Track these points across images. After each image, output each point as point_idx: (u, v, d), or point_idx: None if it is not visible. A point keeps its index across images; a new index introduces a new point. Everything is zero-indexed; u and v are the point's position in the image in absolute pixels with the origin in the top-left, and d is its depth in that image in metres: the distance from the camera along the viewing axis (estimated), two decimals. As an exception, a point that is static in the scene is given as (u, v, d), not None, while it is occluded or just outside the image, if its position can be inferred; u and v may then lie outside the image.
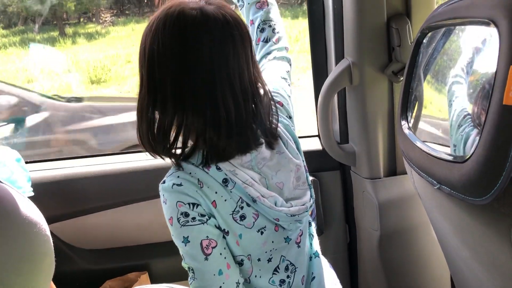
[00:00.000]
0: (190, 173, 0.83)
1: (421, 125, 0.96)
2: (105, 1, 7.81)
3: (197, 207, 0.82)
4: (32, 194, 1.11)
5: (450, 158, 0.77)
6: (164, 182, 0.85)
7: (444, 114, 0.89)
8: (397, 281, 1.39)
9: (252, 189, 0.84)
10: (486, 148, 0.65)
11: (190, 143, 0.83)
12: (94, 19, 7.81)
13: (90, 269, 1.40)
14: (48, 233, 0.93)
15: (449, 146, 0.83)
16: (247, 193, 0.84)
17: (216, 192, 0.83)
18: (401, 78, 1.19)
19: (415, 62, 0.96)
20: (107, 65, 6.32)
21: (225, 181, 0.84)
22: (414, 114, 0.98)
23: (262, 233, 0.87)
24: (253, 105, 0.84)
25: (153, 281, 1.39)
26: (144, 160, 1.39)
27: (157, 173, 1.38)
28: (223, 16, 0.80)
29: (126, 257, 1.42)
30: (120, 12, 7.67)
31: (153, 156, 0.86)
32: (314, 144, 1.49)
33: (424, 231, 1.33)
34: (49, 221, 1.25)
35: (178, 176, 0.83)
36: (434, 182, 0.81)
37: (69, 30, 7.63)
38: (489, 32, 0.70)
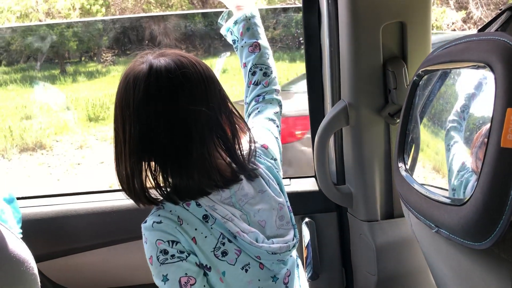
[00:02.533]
0: (171, 211, 0.85)
1: (419, 167, 0.96)
2: (107, 41, 7.96)
3: (176, 244, 0.83)
4: (21, 236, 1.09)
5: (448, 201, 0.76)
6: (145, 221, 0.87)
7: (441, 157, 0.88)
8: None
9: (232, 224, 0.85)
10: (484, 191, 0.64)
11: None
12: (95, 58, 7.94)
13: (78, 311, 1.35)
14: (36, 271, 0.91)
15: (447, 190, 0.82)
16: (227, 228, 0.85)
17: (196, 229, 0.84)
18: (398, 120, 1.19)
19: (411, 104, 0.96)
20: (106, 103, 6.38)
21: (205, 217, 0.85)
22: (411, 156, 0.97)
23: (246, 270, 0.87)
24: (228, 143, 0.87)
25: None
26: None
27: (149, 212, 1.36)
28: (179, 69, 0.83)
29: (115, 298, 1.38)
30: (121, 52, 7.80)
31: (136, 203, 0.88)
32: (311, 185, 1.48)
33: (422, 276, 1.30)
34: (38, 259, 1.23)
35: (159, 215, 0.85)
36: (432, 225, 0.80)
37: (70, 68, 7.75)
38: (484, 75, 0.70)
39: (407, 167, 0.95)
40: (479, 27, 0.85)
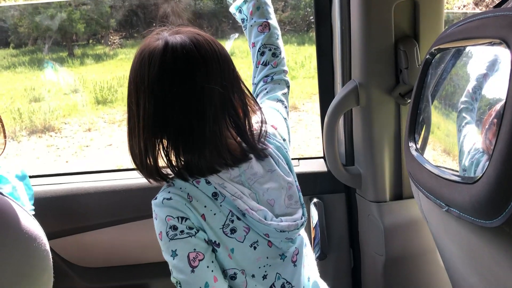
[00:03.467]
0: (181, 188, 0.86)
1: (429, 148, 0.95)
2: (114, 24, 7.94)
3: (185, 221, 0.84)
4: (33, 213, 1.10)
5: (459, 179, 0.76)
6: (155, 198, 0.87)
7: (453, 138, 0.87)
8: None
9: (241, 201, 0.86)
10: (497, 168, 0.63)
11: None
12: (103, 41, 7.92)
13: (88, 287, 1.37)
14: (48, 248, 0.92)
15: (457, 170, 0.81)
16: (236, 206, 0.86)
17: (205, 206, 0.85)
18: (408, 101, 1.19)
19: (423, 83, 0.95)
20: (113, 85, 6.39)
21: (215, 195, 0.86)
22: (422, 136, 0.97)
23: (255, 248, 0.88)
24: (239, 122, 0.87)
25: (153, 301, 1.36)
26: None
27: (159, 190, 1.37)
28: (194, 45, 0.83)
29: (125, 276, 1.39)
30: (129, 35, 7.78)
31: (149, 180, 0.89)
32: (320, 166, 1.48)
33: (431, 257, 1.30)
34: (49, 237, 1.25)
35: (169, 192, 0.86)
36: (442, 204, 0.80)
37: (77, 51, 7.74)
38: (500, 52, 0.69)
39: (418, 146, 0.95)
40: (495, 4, 0.84)
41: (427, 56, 0.92)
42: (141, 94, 0.83)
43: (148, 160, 0.86)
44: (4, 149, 1.04)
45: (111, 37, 7.81)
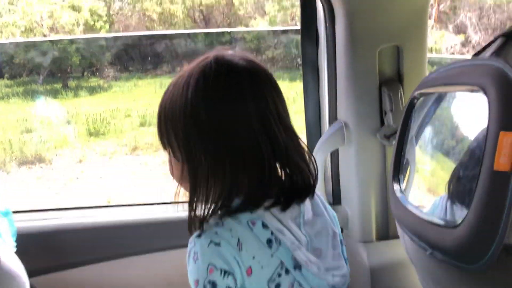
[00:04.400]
0: (231, 229, 0.75)
1: (414, 189, 0.96)
2: (109, 57, 8.04)
3: (228, 276, 0.73)
4: (15, 249, 1.09)
5: (442, 222, 0.76)
6: (199, 235, 0.76)
7: (436, 179, 0.89)
8: None
9: (300, 252, 0.77)
10: (477, 214, 0.64)
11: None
12: (97, 74, 8.00)
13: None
14: (28, 286, 0.90)
15: (442, 212, 0.82)
16: (293, 257, 0.76)
17: (253, 257, 0.74)
18: (393, 142, 1.20)
19: (407, 126, 0.97)
20: (106, 118, 6.41)
21: (269, 242, 0.75)
22: (406, 177, 0.98)
23: None
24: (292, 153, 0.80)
25: None
26: (133, 213, 1.38)
27: (148, 228, 1.36)
28: (261, 69, 0.80)
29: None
30: (124, 68, 7.87)
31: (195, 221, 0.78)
32: (307, 205, 1.48)
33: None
34: (33, 274, 1.22)
35: (216, 233, 0.75)
36: (427, 247, 0.80)
37: (72, 83, 7.80)
38: (478, 99, 0.71)
39: (403, 188, 0.96)
40: (475, 52, 0.86)
41: (410, 100, 0.94)
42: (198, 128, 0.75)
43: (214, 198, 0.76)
44: None
45: (106, 69, 7.91)
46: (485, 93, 0.67)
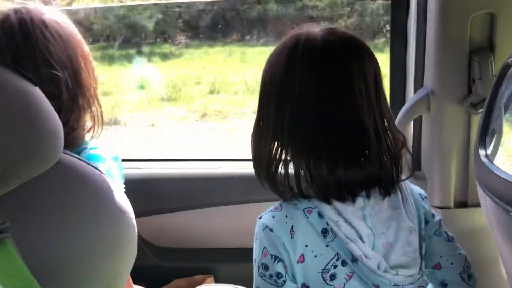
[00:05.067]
0: (286, 216, 0.77)
1: (499, 157, 0.98)
2: (181, 24, 8.19)
3: (278, 263, 0.76)
4: (124, 190, 1.21)
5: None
6: (261, 217, 0.80)
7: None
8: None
9: (355, 246, 0.75)
10: None
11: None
12: (169, 40, 8.20)
13: (162, 266, 1.49)
14: (134, 223, 1.01)
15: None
16: (347, 250, 0.75)
17: (306, 246, 0.75)
18: (480, 110, 1.21)
19: (497, 93, 0.98)
20: (177, 84, 6.60)
21: (325, 232, 0.75)
22: (492, 144, 0.99)
23: None
24: (376, 139, 0.76)
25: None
26: (222, 168, 1.50)
27: (232, 182, 1.46)
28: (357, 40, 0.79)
29: (195, 258, 1.50)
30: (195, 35, 8.01)
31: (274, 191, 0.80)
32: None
33: (493, 267, 1.30)
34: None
35: (273, 217, 0.78)
36: (510, 208, 0.82)
37: (145, 49, 8.04)
38: None
39: (488, 153, 0.98)
40: None
41: (503, 66, 0.95)
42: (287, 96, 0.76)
43: (273, 167, 0.78)
44: (99, 132, 1.14)
45: (178, 36, 8.09)
46: None
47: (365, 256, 0.75)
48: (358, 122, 0.75)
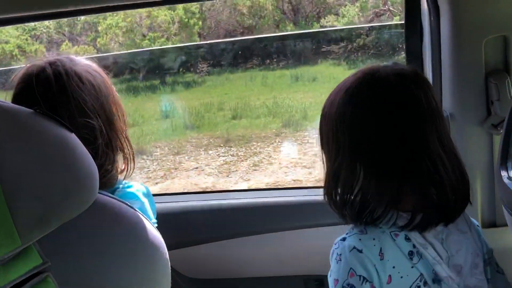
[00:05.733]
0: (374, 239, 0.79)
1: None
2: (203, 53, 8.36)
3: (366, 283, 0.77)
4: (156, 225, 1.25)
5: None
6: (344, 239, 0.81)
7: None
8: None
9: (441, 268, 0.78)
10: None
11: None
12: (192, 69, 8.36)
13: (195, 298, 1.52)
14: (167, 257, 1.03)
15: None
16: (433, 271, 0.78)
17: (394, 267, 0.78)
18: (501, 131, 1.21)
19: (516, 113, 0.99)
20: (201, 111, 6.69)
21: (411, 254, 0.78)
22: (514, 165, 1.00)
23: None
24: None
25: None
26: (251, 198, 1.53)
27: (262, 211, 1.49)
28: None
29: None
30: (217, 63, 8.15)
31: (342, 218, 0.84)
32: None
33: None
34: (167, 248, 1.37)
35: (360, 239, 0.79)
36: (535, 230, 0.83)
37: (169, 79, 8.22)
38: None
39: (511, 175, 0.98)
40: None
41: (520, 87, 0.96)
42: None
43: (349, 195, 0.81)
44: (131, 172, 1.19)
45: (200, 65, 8.26)
46: None
47: (451, 278, 0.78)
48: (430, 158, 0.80)
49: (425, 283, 0.78)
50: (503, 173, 0.99)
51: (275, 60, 7.72)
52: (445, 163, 0.81)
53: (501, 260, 1.30)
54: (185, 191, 1.45)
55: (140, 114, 6.80)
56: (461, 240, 0.83)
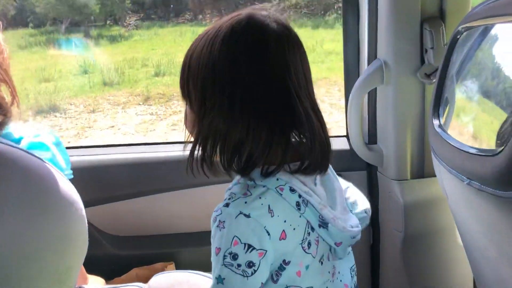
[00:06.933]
0: (260, 197, 0.75)
1: (453, 125, 0.98)
2: (130, 5, 7.94)
3: (251, 251, 0.73)
4: (72, 176, 1.15)
5: (481, 152, 0.78)
6: (227, 205, 0.75)
7: (476, 116, 0.90)
8: (419, 284, 1.39)
9: (327, 211, 0.78)
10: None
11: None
12: (119, 22, 7.94)
13: (118, 255, 1.43)
14: (84, 213, 0.95)
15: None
16: (319, 215, 0.78)
17: (285, 221, 0.75)
18: (434, 80, 1.21)
19: (449, 62, 0.98)
20: (121, 67, 6.37)
21: (298, 204, 0.76)
22: (445, 114, 0.99)
23: (322, 263, 0.80)
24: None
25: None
26: (174, 151, 1.44)
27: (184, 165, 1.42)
28: (291, 35, 0.79)
29: (153, 245, 1.45)
30: (146, 16, 7.78)
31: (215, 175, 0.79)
32: (342, 144, 1.51)
33: (449, 234, 1.33)
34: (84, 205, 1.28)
35: (246, 202, 0.74)
36: (464, 177, 0.82)
37: (94, 32, 7.76)
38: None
39: (442, 123, 0.98)
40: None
41: (454, 34, 0.94)
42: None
43: (231, 153, 0.75)
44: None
45: (128, 18, 7.84)
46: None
47: (336, 217, 0.79)
48: (295, 109, 0.77)
49: (312, 228, 0.78)
50: (435, 121, 0.98)
51: (208, 15, 7.49)
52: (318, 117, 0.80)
53: (429, 209, 1.34)
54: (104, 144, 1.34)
55: (58, 69, 6.37)
56: (327, 179, 0.84)
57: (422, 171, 1.34)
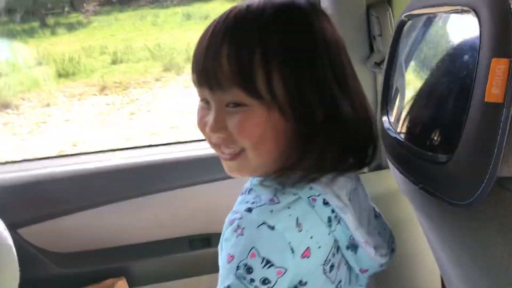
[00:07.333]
0: (289, 207, 0.66)
1: (403, 120, 0.92)
2: (86, -11, 7.67)
3: (269, 268, 0.64)
4: None
5: (432, 157, 0.73)
6: (250, 210, 0.67)
7: (426, 108, 0.84)
8: (384, 276, 1.36)
9: (359, 233, 0.70)
10: (467, 149, 0.61)
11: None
12: (77, 9, 7.68)
13: (65, 274, 1.34)
14: (10, 242, 0.89)
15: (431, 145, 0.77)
16: (351, 237, 0.70)
17: (311, 237, 0.66)
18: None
19: (395, 52, 0.92)
20: (76, 57, 6.16)
21: (329, 220, 0.68)
22: (395, 108, 0.94)
23: None
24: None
25: (132, 285, 1.35)
26: (116, 158, 1.37)
27: (129, 173, 1.34)
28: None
29: (102, 260, 1.37)
30: (106, 1, 7.53)
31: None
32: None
33: (412, 226, 1.29)
34: (19, 225, 1.21)
35: (272, 211, 0.65)
36: (417, 182, 0.77)
37: (50, 20, 7.48)
38: (469, 21, 0.65)
39: (391, 120, 0.92)
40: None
41: (399, 23, 0.88)
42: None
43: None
44: None
45: (86, 4, 7.57)
46: (476, 14, 0.60)
47: (367, 242, 0.72)
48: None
49: (338, 249, 0.70)
50: (384, 119, 0.93)
51: (169, -4, 7.30)
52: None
53: (386, 201, 1.29)
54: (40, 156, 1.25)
55: (12, 62, 6.12)
56: (361, 196, 0.78)
57: (380, 163, 1.29)
